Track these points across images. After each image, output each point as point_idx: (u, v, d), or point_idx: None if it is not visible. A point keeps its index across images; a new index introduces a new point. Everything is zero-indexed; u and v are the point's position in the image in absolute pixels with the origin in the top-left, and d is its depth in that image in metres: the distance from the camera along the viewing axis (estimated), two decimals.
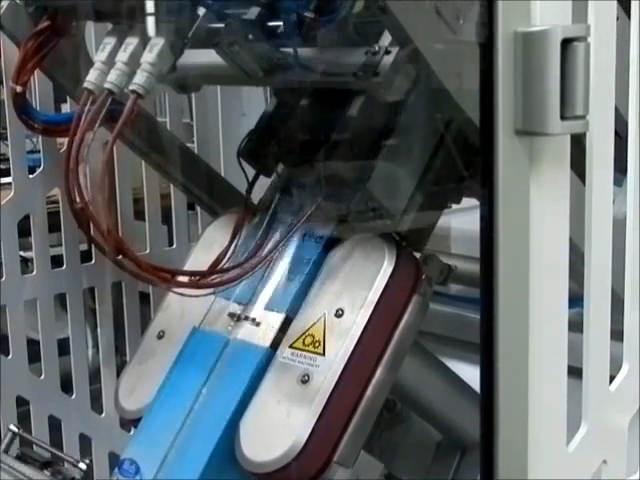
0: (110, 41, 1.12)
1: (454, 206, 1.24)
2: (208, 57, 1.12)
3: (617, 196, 0.92)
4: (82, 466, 1.24)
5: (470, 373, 1.12)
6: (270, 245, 1.16)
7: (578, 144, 0.81)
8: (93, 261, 1.57)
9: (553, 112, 0.73)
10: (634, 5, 0.87)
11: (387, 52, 1.03)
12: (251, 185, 1.25)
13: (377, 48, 1.03)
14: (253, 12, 1.04)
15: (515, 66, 0.74)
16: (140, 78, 1.06)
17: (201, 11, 1.08)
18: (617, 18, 0.85)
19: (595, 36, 0.78)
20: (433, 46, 0.94)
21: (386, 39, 1.03)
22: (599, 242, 0.86)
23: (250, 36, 1.06)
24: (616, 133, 0.87)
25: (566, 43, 0.73)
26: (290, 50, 1.05)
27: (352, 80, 1.05)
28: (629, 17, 0.89)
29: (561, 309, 0.83)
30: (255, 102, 1.55)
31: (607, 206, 0.87)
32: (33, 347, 1.53)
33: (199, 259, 1.24)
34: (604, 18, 0.82)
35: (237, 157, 1.24)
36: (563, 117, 0.74)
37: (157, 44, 1.07)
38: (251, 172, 1.26)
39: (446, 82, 0.95)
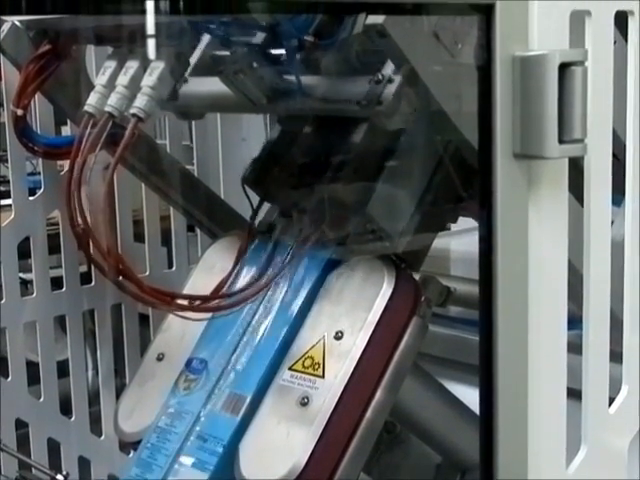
0: (111, 65, 1.13)
1: (453, 228, 1.24)
2: (211, 85, 1.13)
3: (616, 218, 0.92)
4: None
5: (469, 395, 1.12)
6: (271, 270, 1.16)
7: (576, 166, 0.82)
8: (93, 283, 1.57)
9: (551, 136, 0.74)
10: (631, 29, 0.88)
11: (390, 81, 1.03)
12: (255, 212, 1.25)
13: (380, 77, 1.04)
14: (258, 39, 1.05)
15: (513, 90, 0.75)
16: (141, 102, 1.07)
17: (205, 38, 1.09)
18: (615, 42, 0.86)
19: (592, 60, 0.79)
20: (432, 70, 0.94)
21: (389, 67, 1.04)
22: (598, 264, 0.87)
23: (255, 64, 1.07)
24: (614, 155, 0.88)
25: (564, 67, 0.74)
26: (294, 78, 1.06)
27: (356, 109, 1.06)
28: (626, 40, 0.90)
29: (560, 331, 0.83)
30: (255, 127, 1.56)
31: (605, 228, 0.87)
32: (32, 369, 1.53)
33: (199, 282, 1.24)
34: (601, 42, 0.83)
35: (242, 184, 1.24)
36: (561, 141, 0.75)
37: (157, 68, 1.08)
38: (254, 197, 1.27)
39: (445, 106, 0.96)
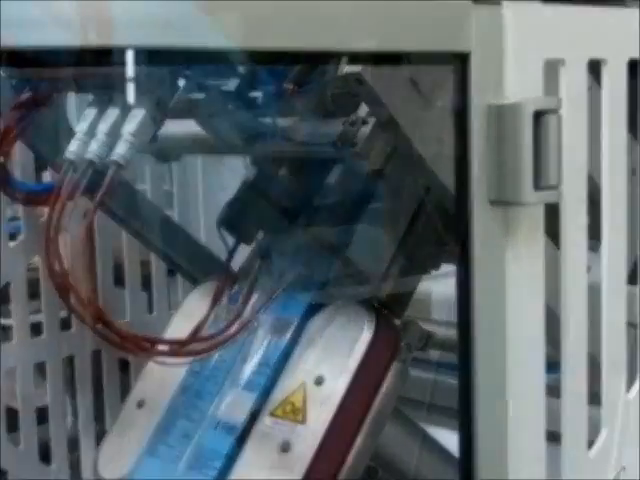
0: (91, 112, 1.13)
1: (434, 272, 1.24)
2: (188, 127, 1.13)
3: (593, 262, 0.93)
4: None
5: (450, 439, 1.12)
6: (250, 314, 1.16)
7: (553, 210, 0.83)
8: (73, 329, 1.56)
9: (527, 183, 0.75)
10: (604, 76, 0.89)
11: (364, 122, 1.04)
12: (231, 254, 1.26)
13: (354, 118, 1.05)
14: (232, 83, 1.06)
15: (488, 138, 0.76)
16: (121, 148, 1.07)
17: (181, 82, 1.10)
18: (590, 88, 0.87)
19: (567, 108, 0.80)
20: (409, 117, 0.95)
21: (363, 109, 1.05)
22: (575, 308, 0.87)
23: (230, 106, 1.08)
24: (592, 200, 0.89)
25: (538, 115, 0.75)
26: (270, 120, 1.07)
27: (331, 150, 1.07)
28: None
29: (538, 375, 0.83)
30: (235, 176, 1.56)
31: (582, 272, 0.88)
32: (11, 416, 1.51)
33: (180, 327, 1.24)
34: (575, 90, 0.84)
35: (217, 226, 1.24)
36: (537, 187, 0.75)
37: (137, 115, 1.08)
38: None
39: (422, 151, 0.96)
